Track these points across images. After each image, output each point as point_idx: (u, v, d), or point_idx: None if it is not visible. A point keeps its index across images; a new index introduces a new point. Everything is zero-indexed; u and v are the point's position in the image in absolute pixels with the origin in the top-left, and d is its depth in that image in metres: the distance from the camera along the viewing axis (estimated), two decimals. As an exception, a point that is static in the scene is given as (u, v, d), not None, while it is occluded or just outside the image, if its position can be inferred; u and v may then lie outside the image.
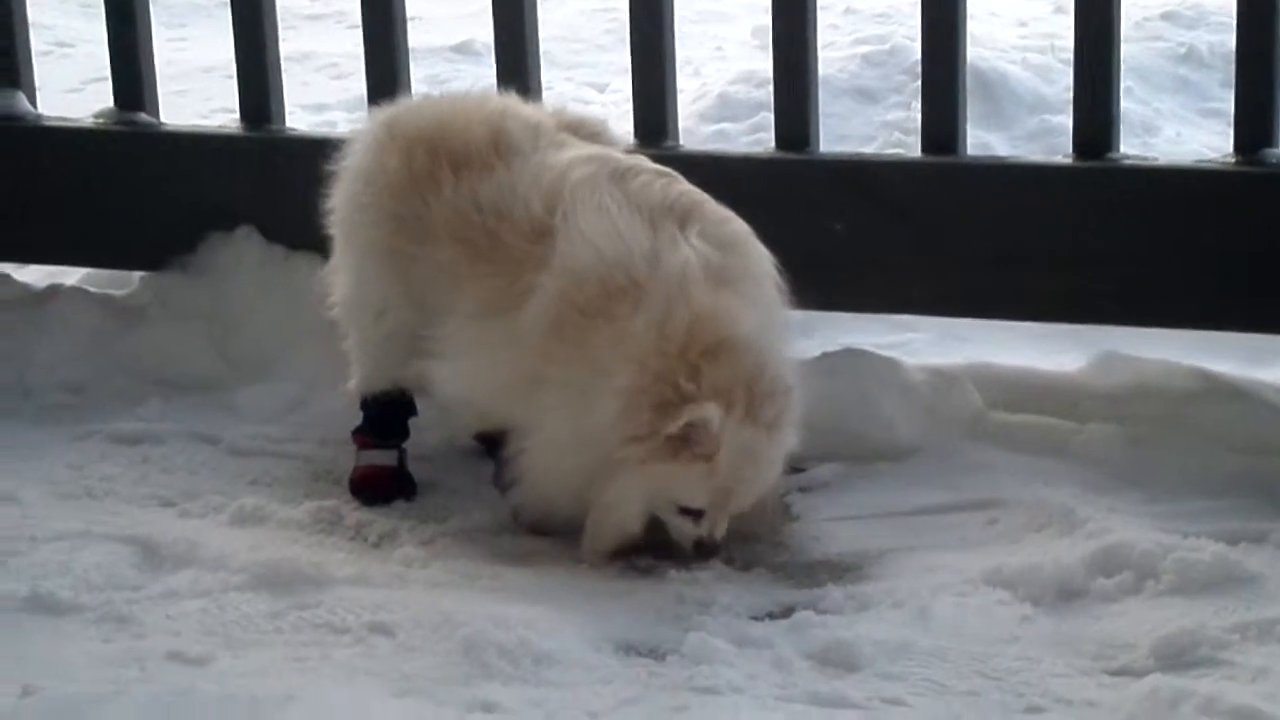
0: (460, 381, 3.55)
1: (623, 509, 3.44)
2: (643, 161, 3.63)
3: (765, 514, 3.54)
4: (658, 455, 3.35)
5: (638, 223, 3.46)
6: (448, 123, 3.68)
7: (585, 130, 3.79)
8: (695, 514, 3.45)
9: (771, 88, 4.22)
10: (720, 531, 3.48)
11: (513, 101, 3.82)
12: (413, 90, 4.40)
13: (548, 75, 4.83)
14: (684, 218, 3.48)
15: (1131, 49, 5.87)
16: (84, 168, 4.59)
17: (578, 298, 3.41)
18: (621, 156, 3.64)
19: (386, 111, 3.83)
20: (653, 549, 3.55)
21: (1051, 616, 3.28)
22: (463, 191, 3.58)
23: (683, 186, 3.57)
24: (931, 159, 4.12)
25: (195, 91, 6.36)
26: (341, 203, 3.77)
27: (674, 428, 3.32)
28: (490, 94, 3.96)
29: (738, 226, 3.55)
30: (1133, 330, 4.13)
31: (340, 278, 3.80)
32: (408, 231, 3.62)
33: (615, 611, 3.33)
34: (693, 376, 3.34)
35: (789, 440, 3.47)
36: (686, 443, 3.34)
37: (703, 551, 3.47)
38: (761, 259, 3.54)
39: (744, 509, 3.48)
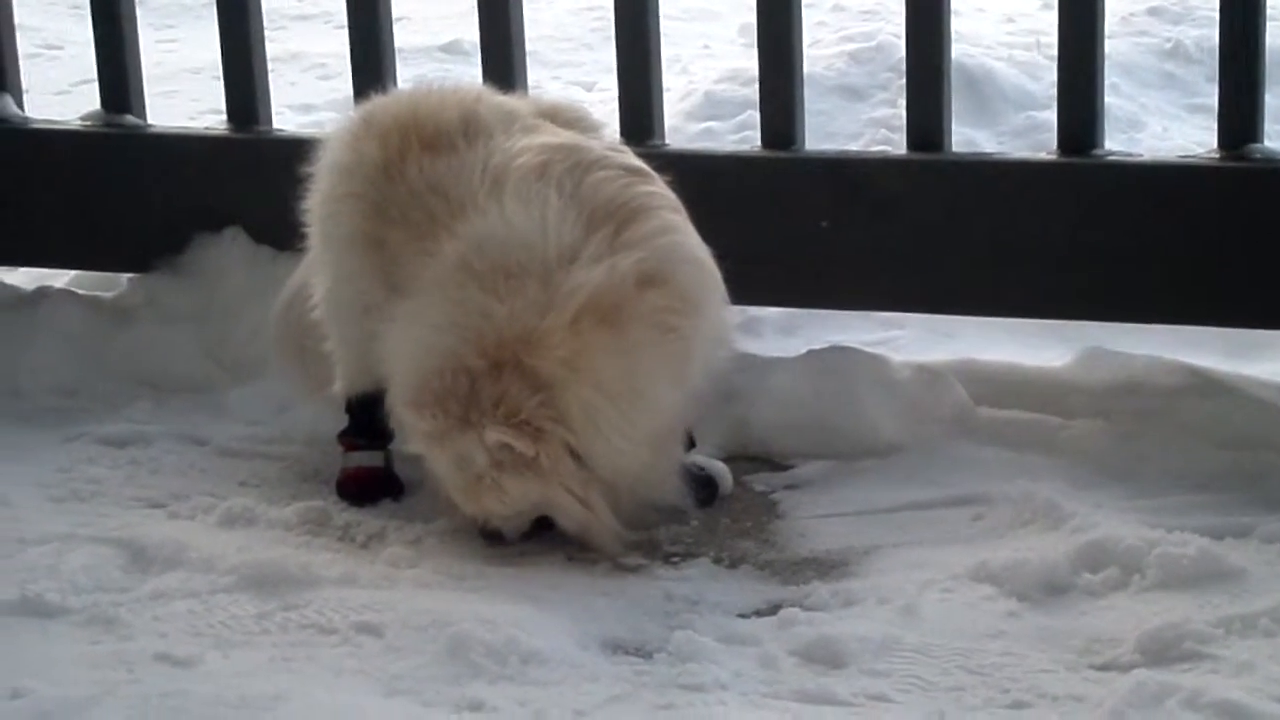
0: (386, 360, 3.56)
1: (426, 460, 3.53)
2: (615, 155, 3.59)
3: (590, 536, 3.51)
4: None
5: (571, 220, 3.43)
6: (421, 108, 3.69)
7: (563, 117, 3.77)
8: None
9: (758, 86, 4.23)
10: (503, 527, 3.51)
11: (489, 90, 3.83)
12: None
13: (535, 74, 4.84)
14: (624, 223, 3.45)
15: (1117, 45, 5.89)
16: (71, 170, 4.59)
17: (474, 262, 3.42)
18: (592, 147, 3.59)
19: (364, 106, 3.85)
20: (640, 547, 3.57)
21: (1037, 612, 3.28)
22: (424, 173, 3.58)
23: (645, 188, 3.53)
24: (917, 156, 4.12)
25: (183, 93, 6.37)
26: (320, 198, 3.77)
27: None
28: (470, 84, 3.97)
29: (677, 242, 3.49)
30: (1118, 326, 4.14)
31: (320, 277, 3.79)
32: (383, 217, 3.63)
33: (602, 610, 3.34)
34: (456, 376, 3.38)
35: (526, 485, 3.42)
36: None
37: (484, 536, 3.52)
38: (685, 291, 3.46)
39: (500, 511, 3.49)
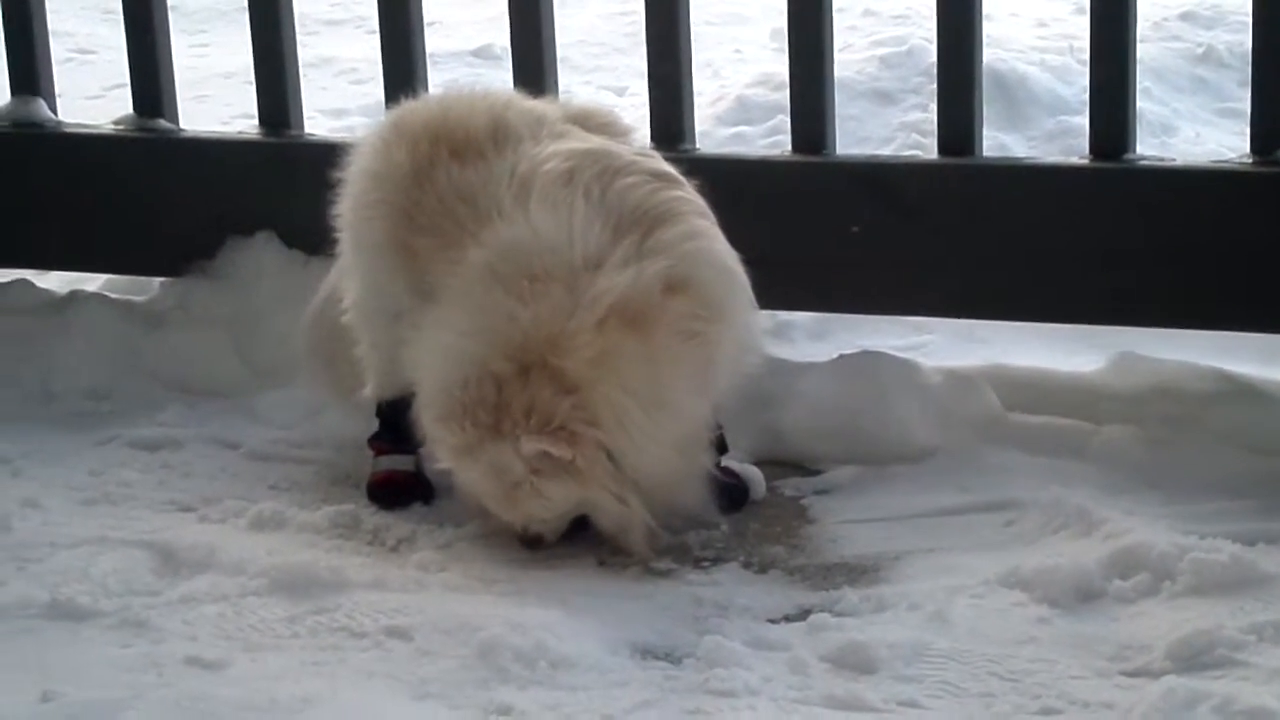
0: (413, 368, 3.56)
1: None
2: (643, 160, 3.59)
3: (628, 534, 3.51)
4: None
5: (598, 226, 3.44)
6: (451, 113, 3.70)
7: (593, 121, 3.77)
8: None
9: (789, 90, 4.23)
10: (538, 530, 3.52)
11: (519, 95, 3.84)
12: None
13: (567, 79, 4.84)
14: (651, 229, 3.45)
15: (1149, 49, 5.87)
16: (104, 174, 4.60)
17: (499, 268, 3.43)
18: (620, 153, 3.59)
19: (394, 112, 3.85)
20: (670, 552, 3.57)
21: (1068, 618, 3.28)
22: (453, 180, 3.59)
23: (672, 193, 3.53)
24: (948, 160, 4.12)
25: (215, 97, 6.38)
26: (351, 204, 3.77)
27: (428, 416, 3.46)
28: (500, 89, 3.98)
29: (703, 248, 3.49)
30: (1151, 331, 4.12)
31: (351, 283, 3.80)
32: (413, 224, 3.63)
33: (632, 614, 3.34)
34: (481, 384, 3.38)
35: (566, 488, 3.43)
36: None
37: (525, 542, 3.53)
38: (709, 297, 3.46)
39: (534, 516, 3.51)
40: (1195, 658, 3.10)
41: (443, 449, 3.50)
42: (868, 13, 6.95)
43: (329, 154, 3.92)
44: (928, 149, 4.71)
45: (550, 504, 3.48)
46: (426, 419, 3.50)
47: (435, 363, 3.49)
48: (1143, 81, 4.59)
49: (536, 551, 3.53)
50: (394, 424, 3.78)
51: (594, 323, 3.37)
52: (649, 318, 3.40)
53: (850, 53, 5.80)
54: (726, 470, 3.71)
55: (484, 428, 3.40)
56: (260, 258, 4.46)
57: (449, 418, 3.42)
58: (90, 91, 6.39)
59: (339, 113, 6.19)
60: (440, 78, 5.29)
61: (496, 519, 3.55)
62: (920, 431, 3.92)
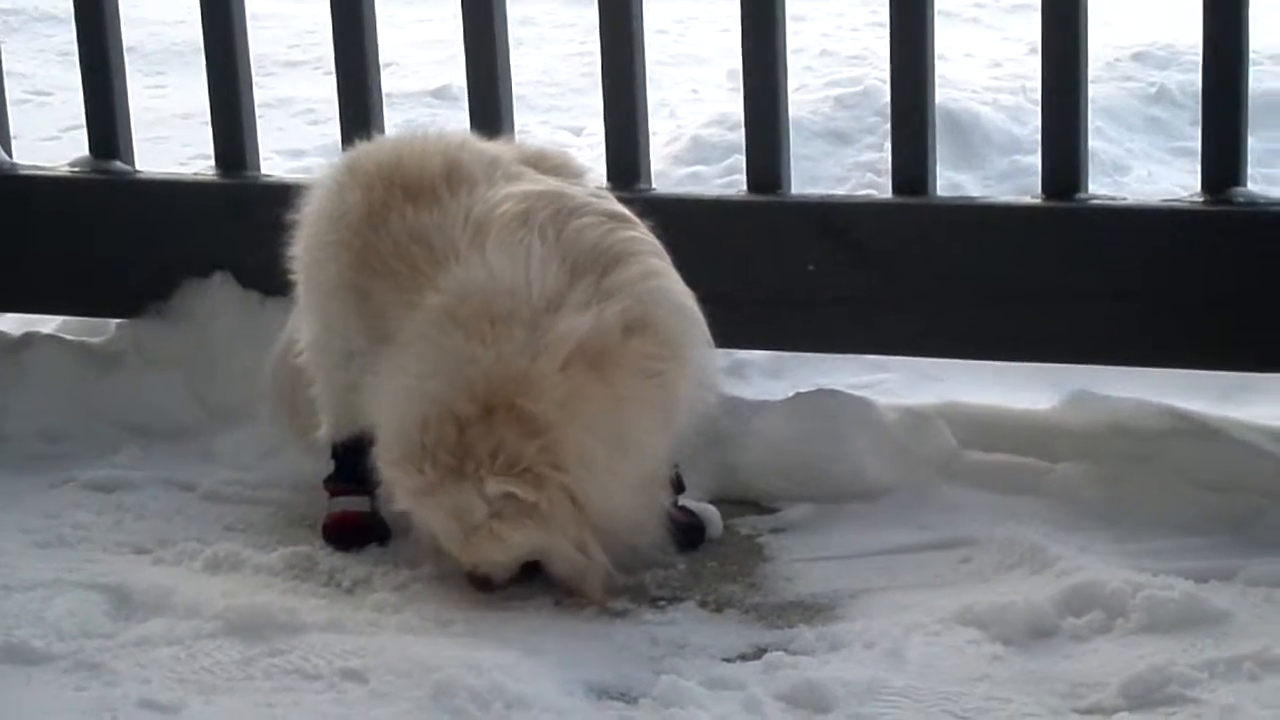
0: (371, 413, 3.55)
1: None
2: (598, 201, 3.61)
3: (584, 581, 3.50)
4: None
5: (554, 267, 3.45)
6: (405, 156, 3.70)
7: (547, 164, 3.78)
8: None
9: (744, 130, 4.25)
10: (492, 572, 3.50)
11: (472, 136, 3.85)
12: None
13: (524, 119, 4.85)
14: (607, 269, 3.47)
15: (1103, 89, 5.92)
16: (60, 216, 4.59)
17: (457, 311, 3.43)
18: (575, 194, 3.61)
19: (348, 154, 3.86)
20: (627, 591, 3.57)
21: (1022, 655, 3.28)
22: (407, 223, 3.59)
23: (627, 233, 3.55)
24: (902, 200, 4.14)
25: (172, 138, 6.37)
26: (306, 246, 3.78)
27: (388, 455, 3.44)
28: (454, 130, 3.98)
29: (659, 287, 3.50)
30: (1105, 369, 4.14)
31: (306, 324, 3.80)
32: (366, 267, 3.64)
33: (588, 654, 3.33)
34: (442, 426, 3.37)
35: (527, 533, 3.41)
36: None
37: (473, 582, 3.51)
38: (667, 336, 3.47)
39: (489, 560, 3.49)
40: (1148, 695, 3.11)
41: (401, 491, 3.49)
42: (824, 53, 6.99)
43: (285, 195, 3.92)
44: (882, 188, 4.73)
45: (507, 548, 3.46)
46: (385, 462, 3.49)
47: (393, 407, 3.48)
48: (1095, 121, 4.62)
49: (485, 593, 3.51)
50: (349, 465, 3.77)
51: (559, 364, 3.38)
52: (611, 359, 3.41)
53: (805, 93, 5.83)
54: (683, 509, 3.72)
55: (445, 469, 3.39)
56: (216, 299, 4.45)
57: (408, 460, 3.42)
58: (46, 133, 6.37)
59: (296, 153, 6.19)
60: (397, 118, 5.31)
61: (452, 560, 3.54)
62: (876, 469, 3.93)
